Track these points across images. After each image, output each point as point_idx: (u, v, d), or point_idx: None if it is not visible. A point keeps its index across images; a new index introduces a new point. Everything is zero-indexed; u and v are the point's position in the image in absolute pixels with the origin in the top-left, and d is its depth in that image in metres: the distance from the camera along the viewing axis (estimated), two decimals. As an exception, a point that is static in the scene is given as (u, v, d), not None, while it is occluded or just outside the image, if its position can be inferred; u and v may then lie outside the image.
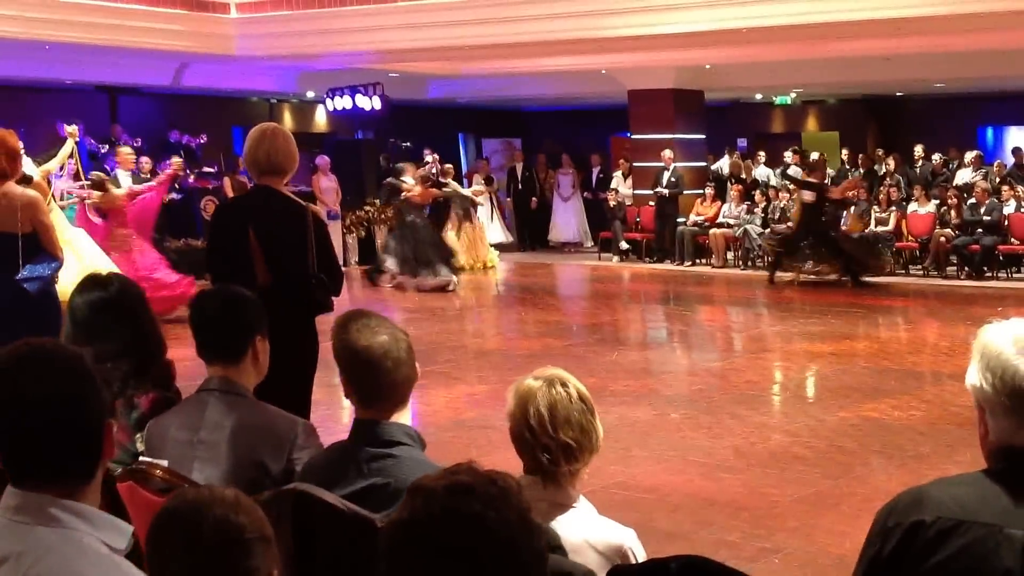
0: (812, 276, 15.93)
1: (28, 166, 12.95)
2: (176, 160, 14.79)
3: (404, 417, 3.04)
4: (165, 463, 3.11)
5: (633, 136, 21.46)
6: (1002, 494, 2.02)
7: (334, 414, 7.83)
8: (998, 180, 18.02)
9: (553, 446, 2.74)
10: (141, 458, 3.22)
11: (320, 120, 24.31)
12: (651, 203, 19.92)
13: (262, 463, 3.23)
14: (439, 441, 7.50)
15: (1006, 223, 16.60)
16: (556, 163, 23.53)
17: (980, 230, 16.61)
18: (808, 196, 16.17)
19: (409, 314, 13.21)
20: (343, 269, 5.53)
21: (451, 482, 1.62)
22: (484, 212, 20.98)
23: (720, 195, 19.73)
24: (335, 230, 18.09)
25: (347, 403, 8.58)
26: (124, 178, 13.93)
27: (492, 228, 21.65)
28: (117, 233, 12.62)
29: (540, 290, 16.64)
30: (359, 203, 19.52)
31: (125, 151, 14.89)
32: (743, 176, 20.88)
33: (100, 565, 1.86)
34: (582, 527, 2.74)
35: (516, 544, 1.57)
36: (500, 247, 21.03)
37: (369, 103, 19.49)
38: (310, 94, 22.35)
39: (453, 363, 10.29)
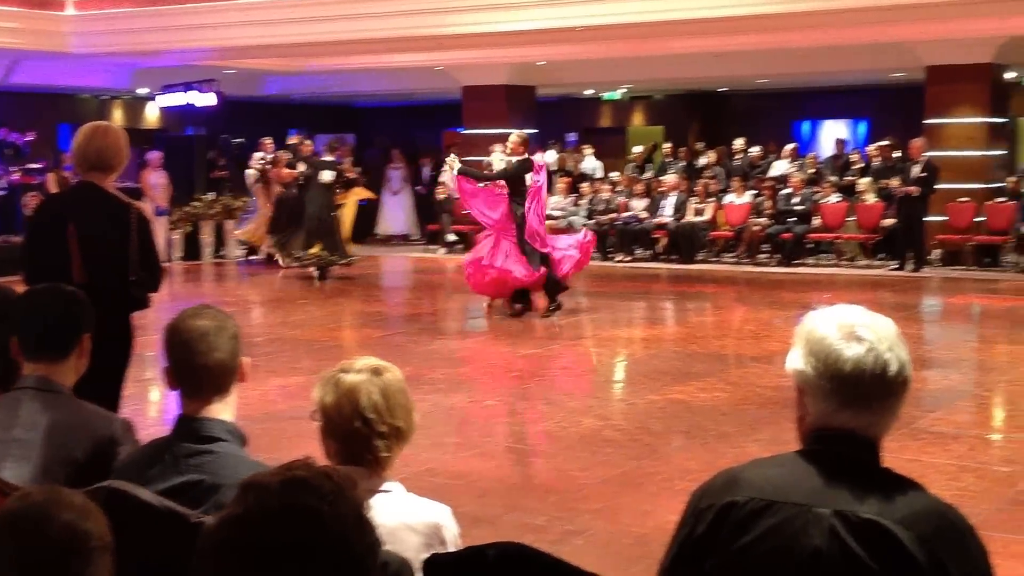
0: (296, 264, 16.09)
1: None
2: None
3: (227, 413, 3.01)
4: None
5: (466, 131, 21.66)
6: (814, 474, 2.05)
7: (143, 409, 7.72)
8: (812, 171, 18.83)
9: (388, 432, 2.75)
10: None
11: (151, 116, 23.89)
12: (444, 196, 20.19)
13: (76, 461, 3.18)
14: (250, 434, 7.45)
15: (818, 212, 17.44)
16: (387, 158, 23.55)
17: (793, 219, 17.35)
18: (328, 176, 16.23)
19: (228, 307, 12.98)
20: (165, 265, 5.49)
21: (286, 477, 1.60)
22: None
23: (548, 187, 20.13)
24: (162, 226, 17.82)
25: (156, 399, 8.43)
26: None
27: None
28: None
29: (364, 282, 16.54)
30: (188, 199, 19.24)
31: None
32: (569, 169, 21.31)
33: None
34: (399, 510, 2.75)
35: (350, 539, 1.57)
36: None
37: (203, 99, 19.27)
38: (143, 91, 21.93)
39: (269, 355, 10.14)
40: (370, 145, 25.22)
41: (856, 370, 2.04)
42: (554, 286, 12.24)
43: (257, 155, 19.09)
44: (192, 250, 18.90)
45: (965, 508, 2.04)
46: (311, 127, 26.69)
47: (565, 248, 12.36)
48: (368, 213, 23.01)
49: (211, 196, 19.49)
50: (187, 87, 19.40)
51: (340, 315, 13.11)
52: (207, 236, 19.03)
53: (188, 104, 19.53)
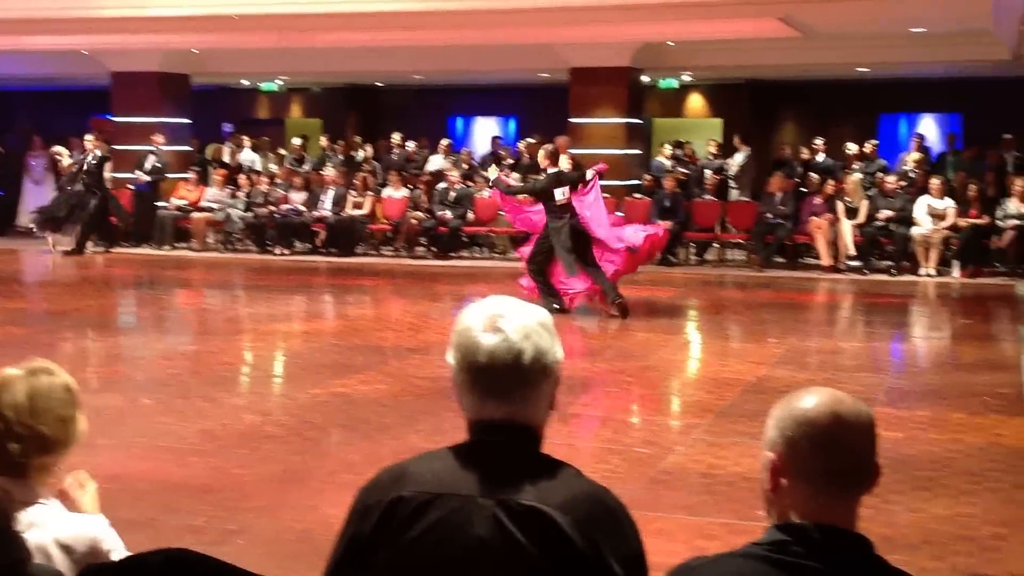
0: None
1: None
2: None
3: None
4: None
5: (116, 119, 20.82)
6: (477, 465, 2.07)
7: None
8: (467, 167, 19.35)
9: (28, 436, 2.61)
10: None
11: None
12: (130, 187, 19.45)
13: None
14: None
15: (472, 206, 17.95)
16: (28, 145, 22.23)
17: (448, 213, 17.79)
18: None
19: None
20: None
21: None
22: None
23: (204, 179, 19.74)
24: None
25: None
26: None
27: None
28: None
29: (3, 277, 15.66)
30: None
31: None
32: (225, 160, 20.93)
33: None
34: (51, 525, 2.62)
35: None
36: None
37: None
38: None
39: None
40: (9, 131, 23.71)
41: (489, 360, 2.06)
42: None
43: None
44: None
45: (613, 489, 2.14)
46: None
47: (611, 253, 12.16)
48: (8, 203, 21.68)
49: None
50: None
51: (-23, 313, 12.29)
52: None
53: None
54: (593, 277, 11.91)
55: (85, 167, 18.21)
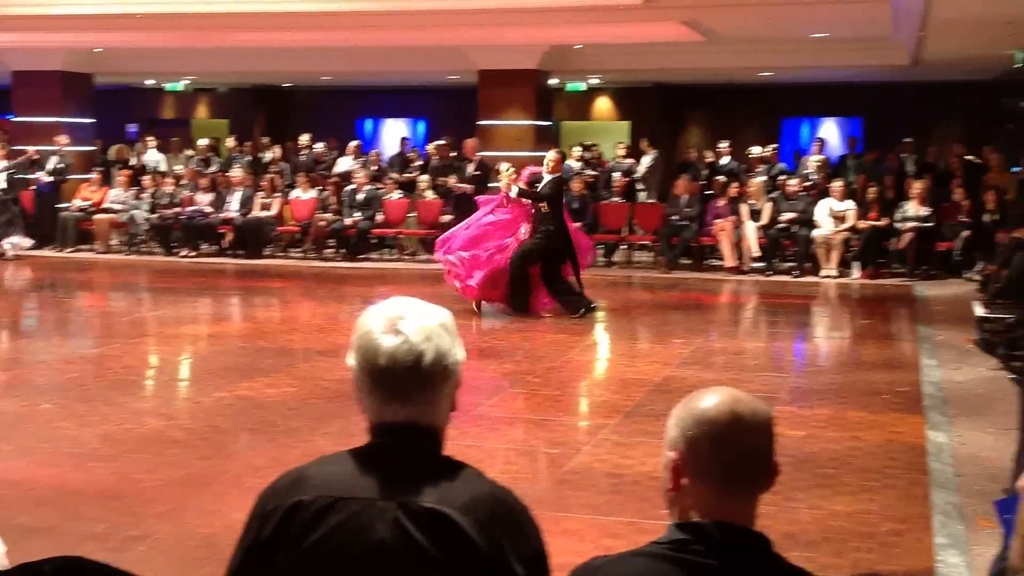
0: None
1: None
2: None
3: None
4: None
5: (17, 119, 20.37)
6: (377, 468, 2.05)
7: None
8: (375, 168, 19.29)
9: None
10: None
11: None
12: (32, 188, 19.05)
13: None
14: None
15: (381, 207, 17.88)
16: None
17: (357, 214, 17.69)
18: None
19: None
20: None
21: None
22: None
23: (108, 180, 19.43)
24: None
25: None
26: None
27: None
28: None
29: None
30: None
31: None
32: (129, 161, 20.60)
33: None
34: None
35: None
36: None
37: None
38: None
39: None
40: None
41: (389, 363, 2.06)
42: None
43: None
44: None
45: (520, 490, 2.15)
46: None
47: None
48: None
49: None
50: None
51: None
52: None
53: None
54: (559, 296, 12.23)
55: (13, 172, 17.84)
